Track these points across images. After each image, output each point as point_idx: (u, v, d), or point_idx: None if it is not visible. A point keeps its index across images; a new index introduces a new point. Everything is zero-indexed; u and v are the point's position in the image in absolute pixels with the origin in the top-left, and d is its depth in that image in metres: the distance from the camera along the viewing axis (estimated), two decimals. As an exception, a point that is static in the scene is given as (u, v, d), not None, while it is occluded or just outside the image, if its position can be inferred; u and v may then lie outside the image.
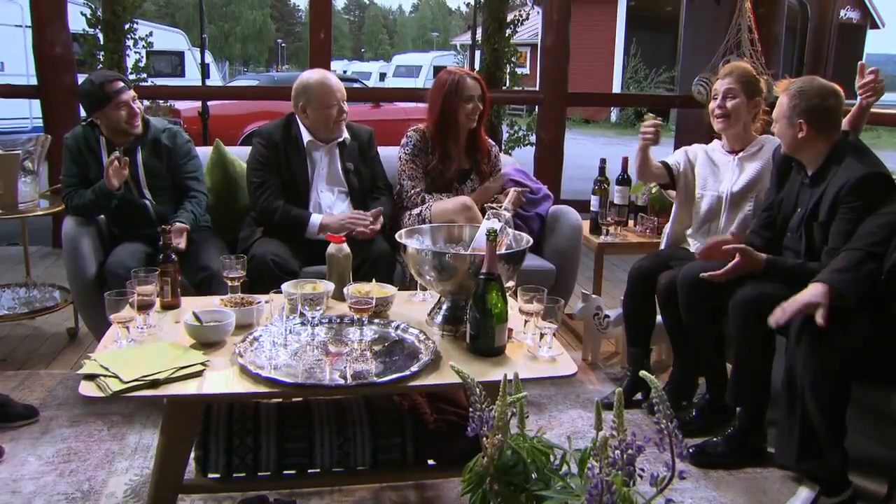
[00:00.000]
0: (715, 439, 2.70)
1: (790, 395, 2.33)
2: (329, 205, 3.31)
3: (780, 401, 2.38)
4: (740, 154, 3.08)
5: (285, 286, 2.38)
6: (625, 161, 3.85)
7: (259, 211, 3.25)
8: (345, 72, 24.67)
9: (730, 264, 2.58)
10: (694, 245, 3.18)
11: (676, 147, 3.34)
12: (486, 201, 3.33)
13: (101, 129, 3.15)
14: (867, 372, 2.31)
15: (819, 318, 2.22)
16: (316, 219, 3.20)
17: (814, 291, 2.26)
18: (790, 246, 2.69)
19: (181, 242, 2.99)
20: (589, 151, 10.59)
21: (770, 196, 2.86)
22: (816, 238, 2.57)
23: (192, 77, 13.81)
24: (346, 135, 3.34)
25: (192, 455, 2.13)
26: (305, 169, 3.28)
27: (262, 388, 1.92)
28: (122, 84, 3.10)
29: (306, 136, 3.28)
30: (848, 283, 2.25)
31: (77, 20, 5.37)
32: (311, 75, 3.29)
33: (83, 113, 4.95)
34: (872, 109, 2.87)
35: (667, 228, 3.33)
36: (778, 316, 2.32)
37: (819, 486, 2.35)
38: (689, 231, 3.23)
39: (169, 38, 13.88)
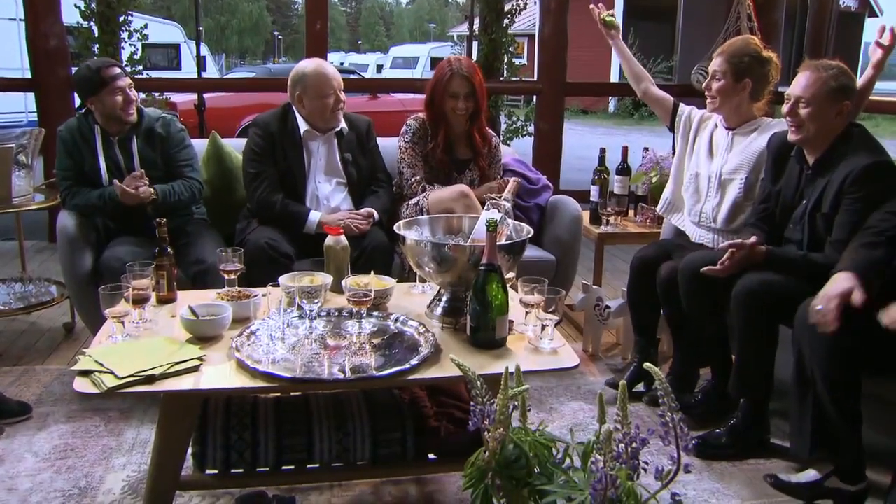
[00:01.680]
0: (718, 431, 2.68)
1: (801, 384, 2.30)
2: (326, 195, 3.27)
3: (791, 391, 2.35)
4: (735, 131, 3.04)
5: (283, 279, 2.35)
6: (624, 150, 3.83)
7: (256, 203, 3.20)
8: (342, 64, 24.60)
9: (726, 262, 2.53)
10: (694, 234, 3.15)
11: (674, 142, 3.32)
12: (484, 193, 3.32)
13: (95, 118, 3.11)
14: (874, 361, 2.29)
15: (857, 298, 2.14)
16: (315, 216, 3.17)
17: (842, 280, 2.20)
18: (792, 238, 2.65)
19: (140, 186, 2.98)
20: (587, 141, 10.56)
21: (765, 187, 2.82)
22: (820, 229, 2.53)
23: (188, 70, 13.76)
24: (343, 124, 3.30)
25: (190, 451, 2.10)
26: (302, 159, 3.25)
27: (259, 383, 1.89)
28: (118, 70, 3.08)
29: (303, 126, 3.24)
30: (871, 270, 2.21)
31: (71, 13, 5.33)
32: (308, 64, 3.25)
33: (78, 104, 4.94)
34: (871, 97, 2.84)
35: (665, 192, 3.32)
36: (821, 320, 2.19)
37: (831, 468, 2.33)
38: (683, 212, 3.20)
39: (165, 31, 13.84)
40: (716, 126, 3.14)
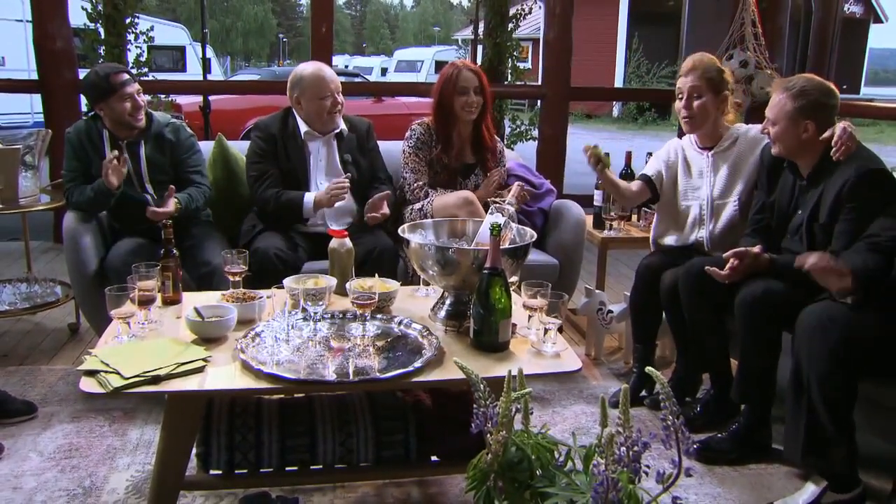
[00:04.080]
0: (720, 435, 2.68)
1: (797, 390, 2.31)
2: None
3: (787, 396, 2.36)
4: (713, 150, 3.02)
5: (287, 281, 2.36)
6: (628, 156, 3.83)
7: (257, 201, 3.24)
8: (346, 67, 24.67)
9: (729, 269, 2.54)
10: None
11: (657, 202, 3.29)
12: (489, 195, 3.32)
13: (103, 123, 3.13)
14: (875, 367, 2.29)
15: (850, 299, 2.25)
16: (309, 197, 3.18)
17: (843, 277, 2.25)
18: (790, 248, 2.64)
19: (168, 205, 2.99)
20: (591, 146, 10.54)
21: (760, 198, 2.82)
22: (818, 240, 2.53)
23: (193, 72, 13.81)
24: (342, 126, 3.33)
25: (194, 451, 2.11)
26: (304, 160, 3.28)
27: (263, 384, 1.90)
28: (127, 76, 3.09)
29: (303, 128, 3.27)
30: (868, 272, 2.24)
31: (78, 14, 5.36)
32: (306, 67, 3.30)
33: (84, 108, 4.95)
34: (875, 104, 2.83)
35: (651, 233, 3.30)
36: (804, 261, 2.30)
37: (826, 482, 2.32)
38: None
39: (170, 33, 13.88)
40: (683, 149, 3.11)
